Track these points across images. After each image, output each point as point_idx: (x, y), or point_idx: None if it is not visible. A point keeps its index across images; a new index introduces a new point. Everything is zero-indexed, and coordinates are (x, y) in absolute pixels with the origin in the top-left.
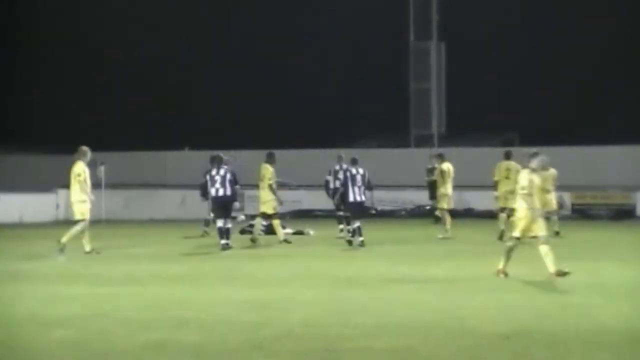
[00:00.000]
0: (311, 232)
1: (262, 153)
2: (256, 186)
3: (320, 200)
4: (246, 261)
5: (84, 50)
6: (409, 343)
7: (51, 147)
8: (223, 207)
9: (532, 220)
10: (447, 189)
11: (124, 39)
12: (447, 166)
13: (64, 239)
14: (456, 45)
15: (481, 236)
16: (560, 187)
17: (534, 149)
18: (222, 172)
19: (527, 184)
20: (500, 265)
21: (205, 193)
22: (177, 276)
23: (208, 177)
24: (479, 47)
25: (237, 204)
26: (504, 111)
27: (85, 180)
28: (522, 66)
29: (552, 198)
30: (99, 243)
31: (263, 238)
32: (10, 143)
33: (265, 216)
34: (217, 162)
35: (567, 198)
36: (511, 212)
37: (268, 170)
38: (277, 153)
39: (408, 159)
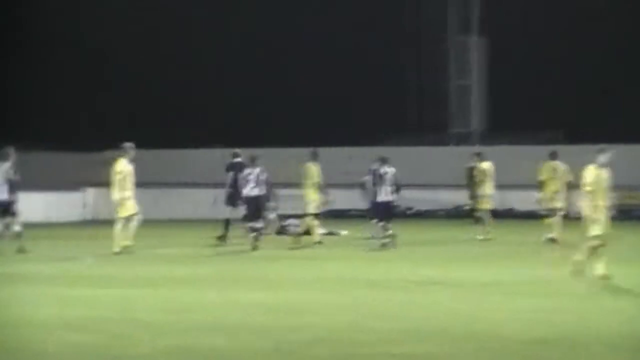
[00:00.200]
0: (342, 233)
1: (297, 151)
2: (300, 185)
3: (355, 200)
4: (271, 263)
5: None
6: (431, 349)
7: (79, 144)
8: (255, 206)
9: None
10: (488, 188)
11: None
12: (487, 165)
13: (129, 242)
14: (498, 39)
15: (521, 238)
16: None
17: (601, 147)
18: (256, 170)
19: (593, 180)
20: (600, 271)
21: (231, 197)
22: (201, 278)
23: (241, 176)
24: (521, 41)
25: (272, 204)
26: (547, 108)
27: (125, 178)
28: (566, 60)
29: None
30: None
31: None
32: (34, 140)
33: (309, 216)
34: (252, 160)
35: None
36: (557, 213)
37: (312, 169)
38: (305, 152)
39: (447, 158)
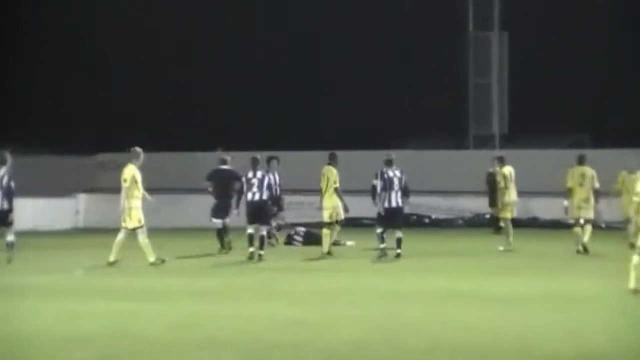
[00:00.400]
0: (348, 243)
1: (306, 155)
2: (318, 191)
3: (368, 207)
4: (284, 275)
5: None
6: None
7: (70, 147)
8: (257, 212)
9: None
10: (511, 195)
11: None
12: (509, 170)
13: (151, 259)
14: (520, 35)
15: (546, 249)
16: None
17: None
18: (259, 174)
19: None
20: (632, 284)
21: (218, 209)
22: (208, 291)
23: (244, 179)
24: (545, 37)
25: (278, 212)
26: (573, 109)
27: (132, 186)
28: (594, 58)
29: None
30: (123, 253)
31: (300, 249)
32: (21, 142)
33: (324, 224)
34: (254, 163)
35: None
36: (585, 222)
37: (332, 173)
38: (320, 155)
39: (466, 162)
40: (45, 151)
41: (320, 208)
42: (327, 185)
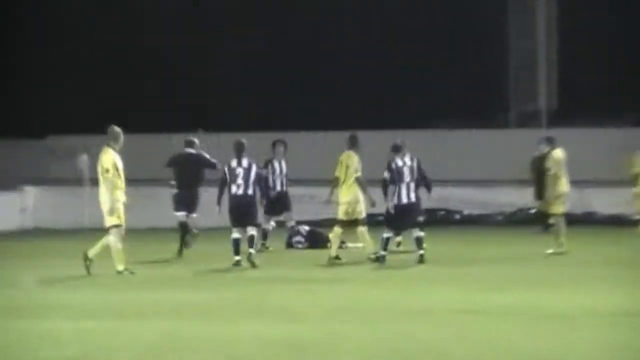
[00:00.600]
0: (355, 246)
1: (309, 136)
2: (326, 181)
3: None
4: (277, 286)
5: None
6: None
7: (15, 129)
8: (242, 210)
9: None
10: (562, 185)
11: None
12: (561, 154)
13: (119, 267)
14: None
15: (607, 251)
16: None
17: None
18: (245, 163)
19: None
20: None
21: (182, 201)
22: (191, 306)
23: (226, 169)
24: None
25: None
26: (636, 81)
27: (114, 175)
28: None
29: None
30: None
31: (301, 254)
32: None
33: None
34: (238, 149)
35: None
36: None
37: (353, 160)
38: (326, 137)
39: (506, 145)
40: None
41: (329, 202)
42: (345, 174)
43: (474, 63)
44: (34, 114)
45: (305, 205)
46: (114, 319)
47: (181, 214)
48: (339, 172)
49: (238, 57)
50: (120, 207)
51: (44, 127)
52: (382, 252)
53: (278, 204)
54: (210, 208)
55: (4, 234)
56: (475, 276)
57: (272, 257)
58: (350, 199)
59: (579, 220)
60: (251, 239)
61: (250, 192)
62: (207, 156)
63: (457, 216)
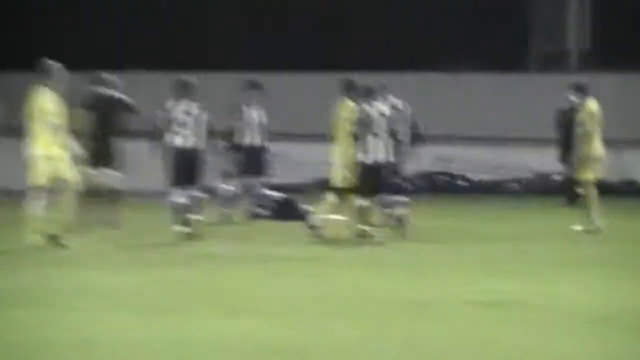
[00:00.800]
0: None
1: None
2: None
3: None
4: (247, 271)
5: None
6: None
7: None
8: (186, 167)
9: None
10: (595, 146)
11: None
12: (594, 106)
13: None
14: None
15: None
16: None
17: None
18: (193, 109)
19: None
20: None
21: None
22: (123, 293)
23: (167, 114)
24: None
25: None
26: None
27: (48, 121)
28: None
29: None
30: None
31: (273, 224)
32: None
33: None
34: (184, 90)
35: None
36: None
37: (347, 109)
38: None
39: (525, 94)
40: None
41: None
42: (342, 127)
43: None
44: None
45: (280, 166)
46: (35, 307)
47: (96, 173)
48: (336, 124)
49: None
50: (44, 164)
51: None
52: (363, 226)
53: (250, 164)
54: (140, 166)
55: None
56: (485, 259)
57: (234, 230)
58: (350, 160)
59: (615, 190)
60: (196, 203)
61: (200, 145)
62: (127, 98)
63: (463, 183)
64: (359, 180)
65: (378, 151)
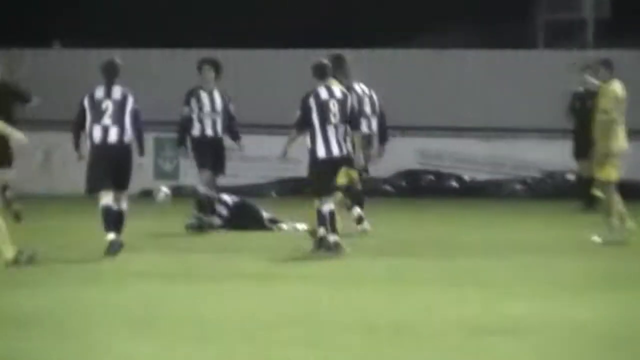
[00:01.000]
0: (298, 227)
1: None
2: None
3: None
4: (188, 287)
5: None
6: None
7: None
8: (115, 165)
9: None
10: (619, 138)
11: None
12: (620, 90)
13: (8, 254)
14: None
15: None
16: None
17: None
18: (117, 94)
19: None
20: None
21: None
22: (40, 317)
23: (86, 102)
24: None
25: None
26: None
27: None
28: None
29: None
30: None
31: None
32: None
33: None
34: (108, 73)
35: None
36: None
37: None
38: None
39: (532, 73)
40: None
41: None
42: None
43: None
44: None
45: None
46: None
47: None
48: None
49: None
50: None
51: None
52: (320, 232)
53: (209, 158)
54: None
55: None
56: (479, 276)
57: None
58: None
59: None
60: (119, 216)
61: (125, 137)
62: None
63: (454, 183)
64: (315, 178)
65: (336, 144)
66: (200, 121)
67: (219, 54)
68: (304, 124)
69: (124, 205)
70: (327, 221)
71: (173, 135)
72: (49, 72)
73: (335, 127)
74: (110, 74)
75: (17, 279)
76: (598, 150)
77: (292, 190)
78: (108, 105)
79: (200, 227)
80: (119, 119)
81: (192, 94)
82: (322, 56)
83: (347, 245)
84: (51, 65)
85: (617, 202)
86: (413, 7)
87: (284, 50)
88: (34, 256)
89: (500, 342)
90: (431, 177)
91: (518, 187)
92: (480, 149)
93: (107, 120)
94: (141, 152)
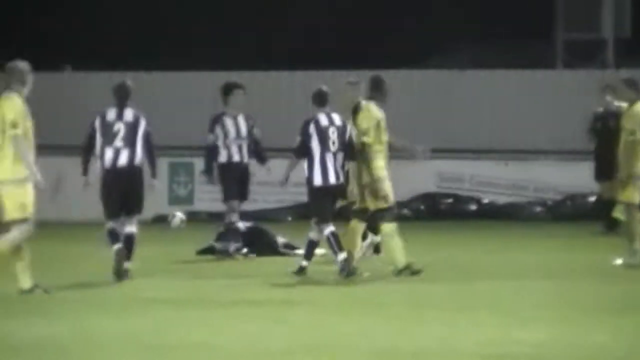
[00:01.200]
0: (317, 253)
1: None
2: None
3: None
4: (200, 313)
5: None
6: None
7: None
8: (124, 188)
9: None
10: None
11: None
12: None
13: (25, 285)
14: None
15: None
16: None
17: None
18: (129, 116)
19: None
20: None
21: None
22: (44, 345)
23: (98, 124)
24: None
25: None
26: None
27: (26, 134)
28: None
29: None
30: None
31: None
32: None
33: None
34: (120, 95)
35: None
36: None
37: (369, 113)
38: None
39: (550, 95)
40: None
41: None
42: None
43: None
44: None
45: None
46: None
47: None
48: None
49: None
50: (28, 190)
51: None
52: (303, 263)
53: (236, 187)
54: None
55: None
56: (498, 301)
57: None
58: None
59: None
60: (130, 240)
61: (136, 160)
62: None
63: (474, 206)
64: (314, 204)
65: (333, 172)
66: (227, 148)
67: (233, 76)
68: (304, 150)
69: (134, 229)
70: (333, 244)
71: (187, 160)
72: (59, 96)
73: (334, 155)
74: (122, 96)
75: (28, 307)
76: (622, 171)
77: (308, 215)
78: (120, 128)
79: (226, 252)
80: (131, 142)
81: (217, 120)
82: (345, 77)
83: (365, 270)
84: (62, 89)
85: (615, 224)
86: (429, 27)
87: (301, 72)
88: (48, 291)
89: None
90: (450, 200)
91: (538, 209)
92: (499, 171)
93: (118, 142)
94: (153, 174)
